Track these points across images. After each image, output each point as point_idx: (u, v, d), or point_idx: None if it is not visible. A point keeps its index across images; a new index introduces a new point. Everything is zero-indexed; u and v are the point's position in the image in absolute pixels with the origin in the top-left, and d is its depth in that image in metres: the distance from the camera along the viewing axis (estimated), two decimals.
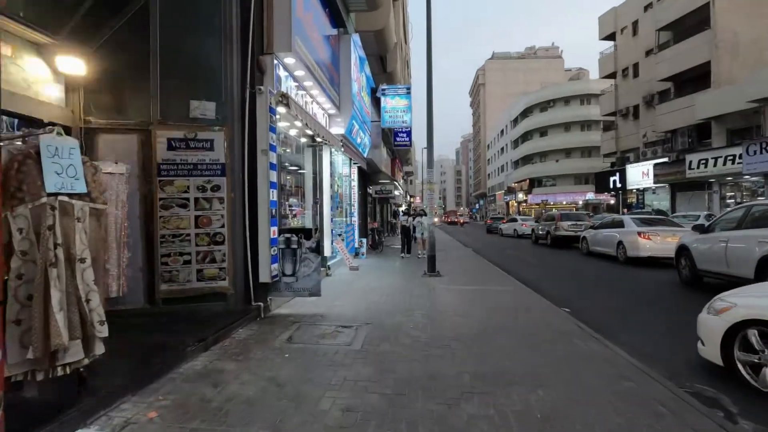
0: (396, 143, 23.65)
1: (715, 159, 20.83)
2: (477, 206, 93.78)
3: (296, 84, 6.84)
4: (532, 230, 22.08)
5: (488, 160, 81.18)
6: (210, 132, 5.13)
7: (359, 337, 4.46)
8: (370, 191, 17.07)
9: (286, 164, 7.65)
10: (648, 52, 28.78)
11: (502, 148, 67.52)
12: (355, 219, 12.48)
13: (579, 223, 17.98)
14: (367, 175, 16.59)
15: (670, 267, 10.55)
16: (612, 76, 33.89)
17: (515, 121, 58.73)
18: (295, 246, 5.58)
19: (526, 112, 55.00)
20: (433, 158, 9.20)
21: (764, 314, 3.29)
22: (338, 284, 8.04)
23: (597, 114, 47.34)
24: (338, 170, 11.67)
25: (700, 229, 9.32)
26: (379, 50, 14.06)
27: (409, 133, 23.44)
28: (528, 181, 53.81)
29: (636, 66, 30.63)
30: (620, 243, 12.13)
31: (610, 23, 33.34)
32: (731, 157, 19.91)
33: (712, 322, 3.67)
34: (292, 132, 7.82)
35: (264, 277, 5.29)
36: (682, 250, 9.88)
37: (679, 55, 24.50)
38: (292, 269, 5.60)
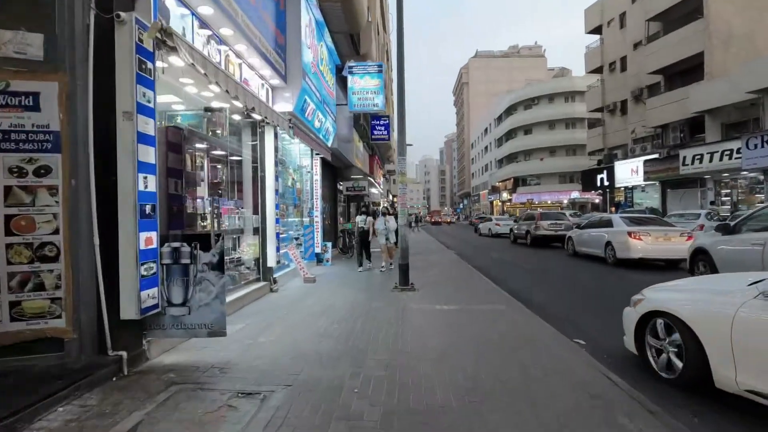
0: (374, 137, 21.90)
1: (711, 154, 19.65)
2: (461, 206, 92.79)
3: (209, 32, 4.94)
4: (511, 230, 21.74)
5: (472, 159, 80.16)
6: (34, 81, 3.20)
7: (257, 424, 2.61)
8: (340, 188, 15.18)
9: (203, 144, 5.74)
10: (636, 45, 27.70)
11: (486, 147, 66.45)
12: (318, 219, 10.60)
13: (559, 222, 17.68)
14: (337, 170, 14.70)
15: (665, 270, 10.04)
16: (599, 70, 32.78)
17: (499, 119, 57.65)
18: (187, 261, 3.69)
19: (510, 110, 53.92)
20: (405, 143, 7.41)
21: (663, 306, 3.49)
22: (280, 304, 6.16)
23: (582, 111, 46.58)
24: (295, 161, 9.79)
25: (723, 229, 7.98)
26: (349, 27, 12.20)
27: (387, 126, 21.67)
28: (512, 180, 52.71)
29: (624, 60, 29.55)
30: (609, 243, 11.34)
31: (596, 16, 32.26)
32: (728, 152, 18.74)
33: (629, 314, 3.92)
34: (217, 104, 5.93)
35: (129, 312, 3.38)
36: (699, 253, 8.52)
37: (670, 47, 23.37)
38: (182, 296, 3.70)
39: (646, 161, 25.25)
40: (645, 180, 25.43)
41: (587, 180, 33.18)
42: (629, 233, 10.60)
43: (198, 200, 5.45)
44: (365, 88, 10.40)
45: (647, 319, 3.65)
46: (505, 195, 54.64)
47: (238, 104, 5.53)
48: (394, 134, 27.74)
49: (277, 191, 7.15)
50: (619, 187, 29.34)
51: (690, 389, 3.23)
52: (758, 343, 2.74)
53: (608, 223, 12.10)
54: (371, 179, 17.87)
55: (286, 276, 8.17)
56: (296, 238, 9.38)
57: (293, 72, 7.08)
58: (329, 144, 10.42)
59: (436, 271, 9.77)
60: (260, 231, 6.95)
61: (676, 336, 3.32)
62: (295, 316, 5.49)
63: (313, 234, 10.02)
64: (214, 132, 6.54)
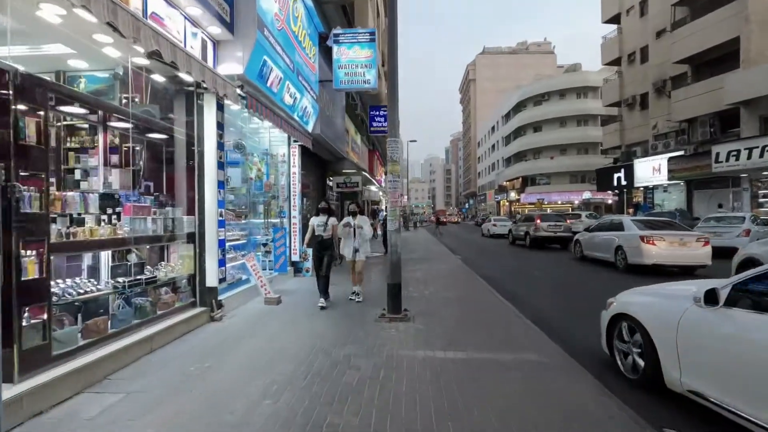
0: (372, 129, 20.10)
1: (749, 150, 17.52)
2: (467, 206, 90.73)
3: None
4: (509, 231, 21.80)
5: (478, 158, 78.04)
6: None
7: None
8: (330, 183, 13.28)
9: (83, 109, 3.86)
10: (660, 33, 25.54)
11: (493, 146, 64.31)
12: (297, 220, 8.71)
13: (558, 224, 17.88)
14: (327, 164, 12.81)
15: (679, 277, 8.86)
16: (616, 62, 30.64)
17: (507, 117, 55.50)
18: None
19: (518, 107, 51.76)
20: (397, 121, 5.53)
21: (627, 309, 3.62)
22: (211, 346, 4.27)
23: (595, 108, 44.39)
24: (261, 148, 7.94)
25: None
26: None
27: (387, 117, 19.87)
28: (521, 179, 50.55)
29: (644, 50, 27.39)
30: (619, 248, 10.70)
31: (614, 4, 30.12)
32: None
33: (603, 316, 4.01)
34: (116, 54, 4.06)
35: None
36: (750, 264, 7.40)
37: (700, 32, 21.21)
38: None
39: (670, 159, 23.14)
40: (669, 179, 23.32)
41: (603, 179, 31.04)
42: (641, 237, 9.89)
43: (71, 195, 3.57)
44: (354, 60, 8.48)
45: (616, 322, 3.77)
46: (513, 195, 52.49)
47: (139, 48, 3.65)
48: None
49: (222, 184, 5.26)
50: (638, 187, 27.21)
51: (649, 389, 3.31)
52: (696, 347, 2.91)
53: (619, 226, 11.35)
54: (366, 174, 15.94)
55: (244, 295, 6.29)
56: (264, 244, 7.51)
57: (244, 19, 5.17)
58: (309, 128, 8.51)
59: (438, 286, 7.85)
60: (196, 238, 5.06)
61: (638, 338, 3.44)
62: (221, 371, 3.59)
63: (286, 239, 8.12)
64: (131, 99, 4.70)
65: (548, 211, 39.33)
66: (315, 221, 6.40)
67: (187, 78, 4.72)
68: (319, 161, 12.25)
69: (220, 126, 5.20)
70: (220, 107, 5.21)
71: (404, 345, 4.32)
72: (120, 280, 3.92)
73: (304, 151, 10.47)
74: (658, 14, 25.35)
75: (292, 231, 8.70)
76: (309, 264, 8.96)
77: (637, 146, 28.12)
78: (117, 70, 4.58)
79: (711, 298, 2.78)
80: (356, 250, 6.51)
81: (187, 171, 5.10)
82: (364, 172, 14.18)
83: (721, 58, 20.81)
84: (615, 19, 30.43)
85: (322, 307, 5.98)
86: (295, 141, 8.56)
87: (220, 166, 5.20)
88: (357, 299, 6.51)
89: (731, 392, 2.57)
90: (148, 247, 4.53)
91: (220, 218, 5.19)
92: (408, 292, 7.27)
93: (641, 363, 3.37)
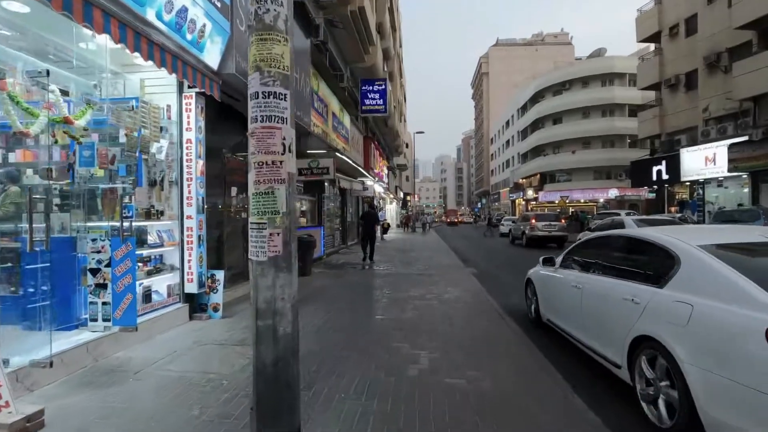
0: (364, 108, 16.49)
1: None
2: (479, 205, 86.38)
3: None
4: (510, 230, 22.66)
5: (492, 155, 73.76)
6: None
7: None
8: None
9: None
10: None
11: (508, 141, 60.03)
12: (194, 224, 5.09)
13: (553, 223, 18.40)
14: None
15: None
16: (654, 38, 26.40)
17: (524, 109, 51.22)
18: None
19: (536, 97, 47.48)
20: None
21: (529, 275, 5.60)
22: None
23: (622, 96, 39.98)
24: (90, 81, 4.30)
25: None
26: None
27: (383, 93, 16.25)
28: (539, 176, 46.21)
29: (691, 20, 23.13)
30: None
31: None
32: None
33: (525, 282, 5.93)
34: None
35: None
36: None
37: None
38: None
39: (731, 146, 18.91)
40: (730, 170, 19.09)
41: (638, 173, 26.82)
42: None
43: None
44: None
45: (527, 285, 5.69)
46: (530, 193, 48.17)
47: None
48: (392, 107, 21.64)
49: None
50: (685, 182, 22.96)
51: (537, 324, 5.24)
52: (549, 294, 4.92)
53: (620, 226, 11.40)
54: (351, 162, 12.17)
55: None
56: (94, 271, 3.82)
57: None
58: (209, 61, 4.84)
59: (440, 349, 4.09)
60: None
61: (534, 292, 5.34)
62: None
63: (135, 261, 4.47)
64: None
65: (571, 210, 35.30)
66: None
67: None
68: None
69: None
70: None
71: None
72: None
73: (238, 118, 6.84)
74: None
75: (186, 241, 5.06)
76: (220, 296, 5.29)
77: (682, 134, 23.82)
78: None
79: (550, 262, 4.96)
80: None
81: None
82: (340, 155, 10.40)
83: None
84: None
85: None
86: (190, 87, 4.91)
87: None
88: None
89: (559, 317, 4.53)
90: None
91: None
92: (376, 366, 3.55)
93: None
